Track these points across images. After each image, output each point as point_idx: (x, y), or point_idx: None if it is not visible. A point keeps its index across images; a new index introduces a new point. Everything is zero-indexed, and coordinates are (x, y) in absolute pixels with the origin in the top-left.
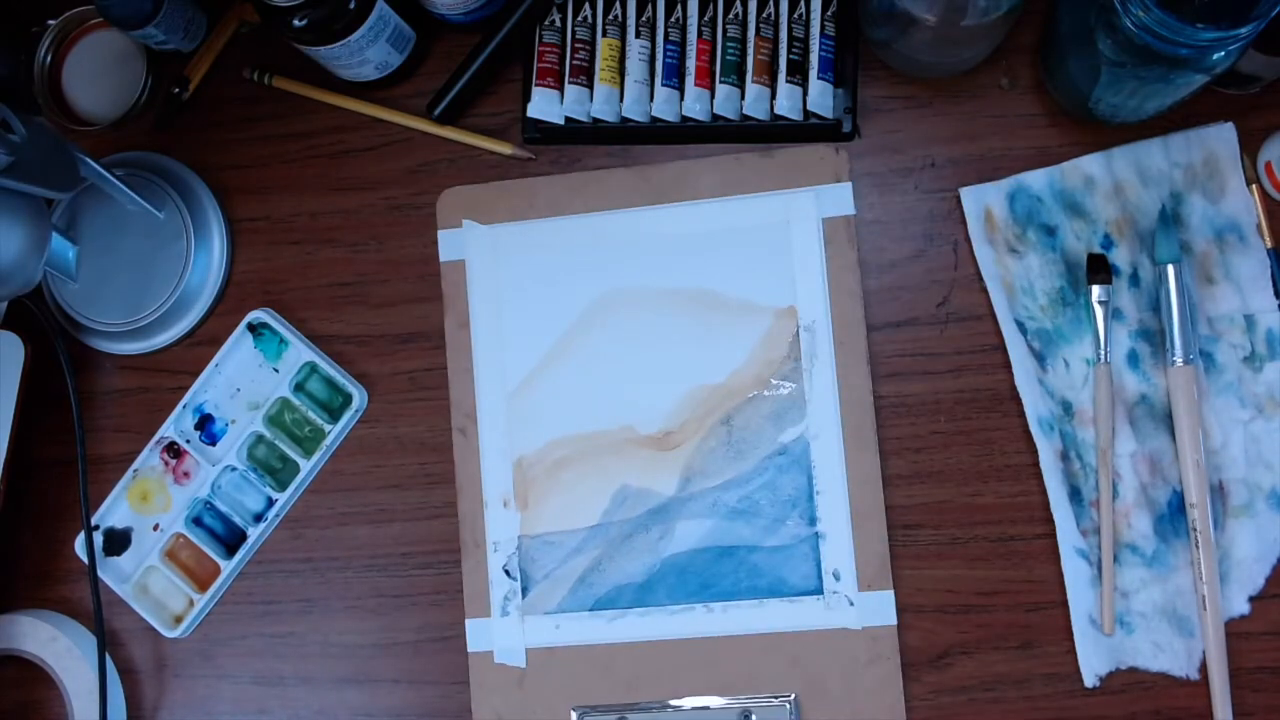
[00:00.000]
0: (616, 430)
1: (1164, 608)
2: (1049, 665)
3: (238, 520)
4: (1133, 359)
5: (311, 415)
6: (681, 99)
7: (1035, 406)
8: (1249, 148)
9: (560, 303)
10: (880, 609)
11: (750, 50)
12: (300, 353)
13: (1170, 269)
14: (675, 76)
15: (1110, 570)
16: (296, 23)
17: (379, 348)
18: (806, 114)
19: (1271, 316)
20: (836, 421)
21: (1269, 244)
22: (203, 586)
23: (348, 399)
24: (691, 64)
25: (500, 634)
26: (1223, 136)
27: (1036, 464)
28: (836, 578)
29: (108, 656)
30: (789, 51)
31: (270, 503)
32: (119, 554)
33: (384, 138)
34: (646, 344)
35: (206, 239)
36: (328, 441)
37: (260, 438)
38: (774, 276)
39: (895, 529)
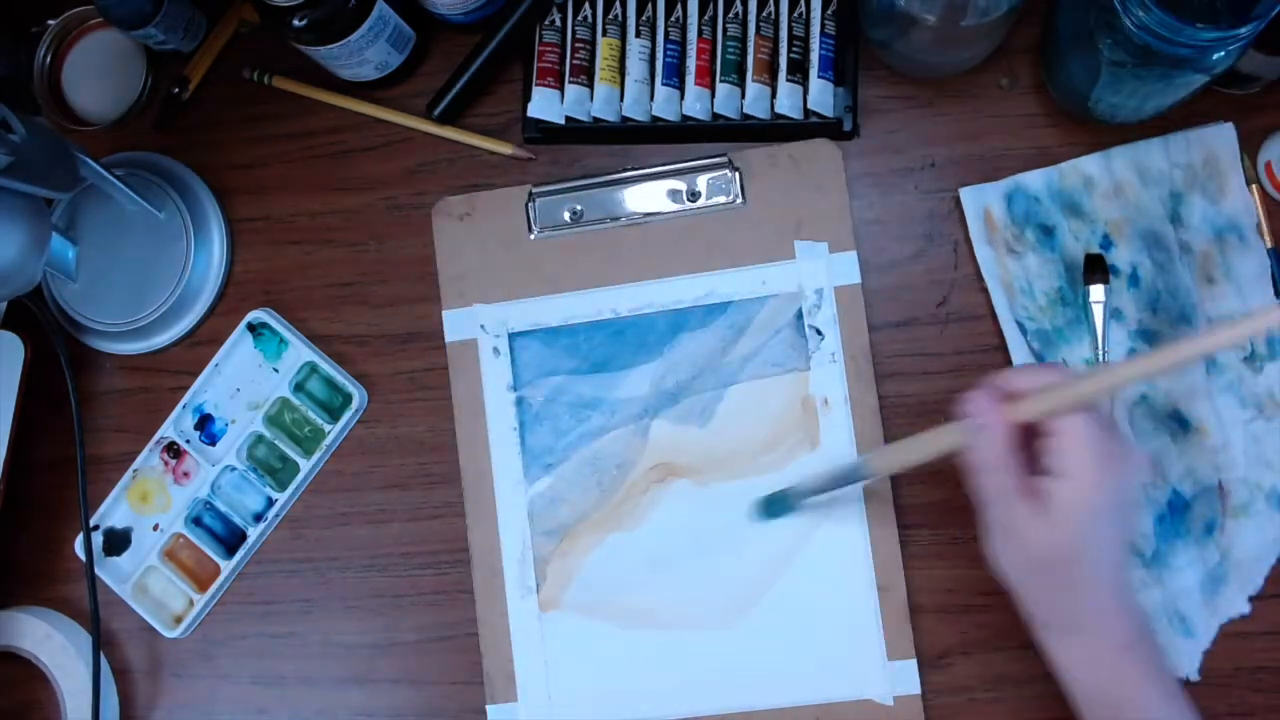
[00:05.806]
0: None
1: (1164, 608)
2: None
3: (237, 520)
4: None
5: (311, 415)
6: (682, 98)
7: None
8: (1249, 148)
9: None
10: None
11: (750, 49)
12: (300, 353)
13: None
14: (675, 76)
15: None
16: (296, 23)
17: (379, 348)
18: (807, 112)
19: None
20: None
21: (1269, 244)
22: (202, 586)
23: (347, 399)
24: (692, 63)
25: None
26: (1223, 136)
27: None
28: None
29: (102, 656)
30: (789, 50)
31: (270, 503)
32: (119, 554)
33: (384, 138)
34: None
35: (206, 239)
36: (327, 441)
37: (260, 438)
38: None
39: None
